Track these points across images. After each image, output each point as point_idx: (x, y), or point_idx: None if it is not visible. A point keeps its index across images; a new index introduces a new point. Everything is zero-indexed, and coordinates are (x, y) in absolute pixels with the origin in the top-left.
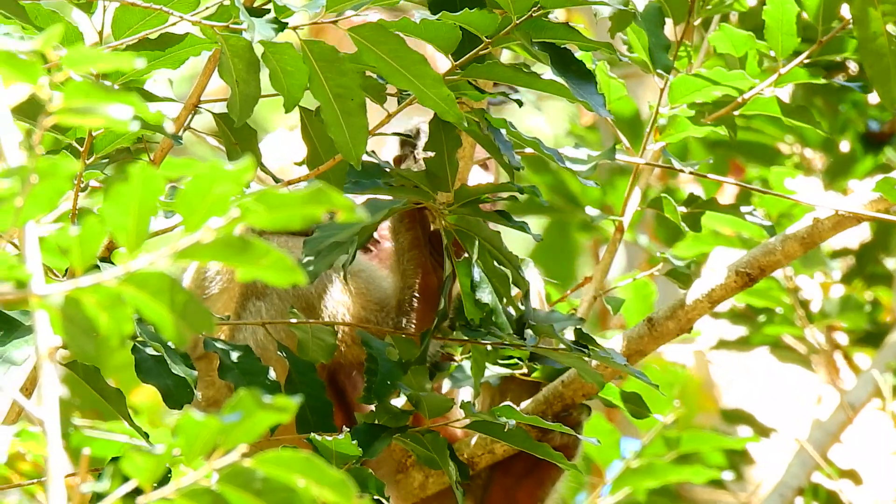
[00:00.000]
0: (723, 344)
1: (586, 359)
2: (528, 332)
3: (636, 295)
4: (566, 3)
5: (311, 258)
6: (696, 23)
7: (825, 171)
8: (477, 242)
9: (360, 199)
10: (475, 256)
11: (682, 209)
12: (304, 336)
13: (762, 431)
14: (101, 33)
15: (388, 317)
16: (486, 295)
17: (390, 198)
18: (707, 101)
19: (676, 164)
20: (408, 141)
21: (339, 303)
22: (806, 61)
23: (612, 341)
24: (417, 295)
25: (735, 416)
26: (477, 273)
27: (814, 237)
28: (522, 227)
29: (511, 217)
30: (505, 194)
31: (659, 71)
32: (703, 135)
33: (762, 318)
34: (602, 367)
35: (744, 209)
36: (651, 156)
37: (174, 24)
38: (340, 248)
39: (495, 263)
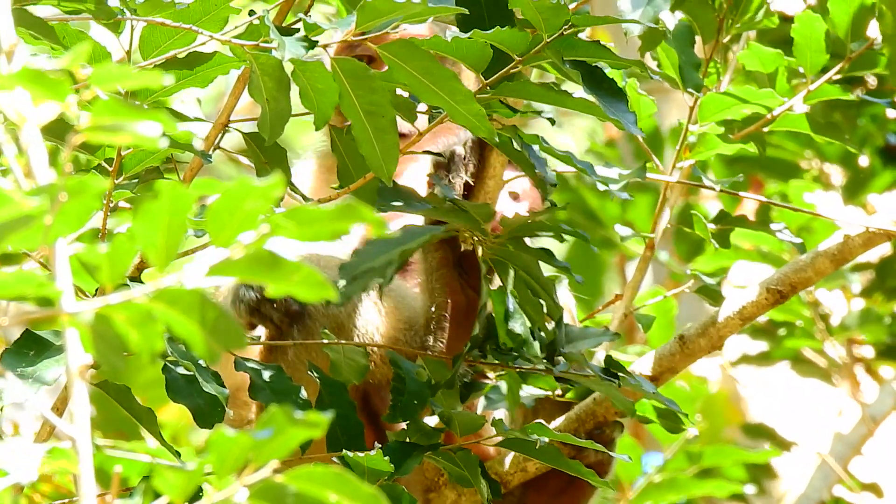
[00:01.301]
0: (745, 359)
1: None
2: (559, 358)
3: (658, 311)
4: (598, 21)
5: (346, 282)
6: (725, 40)
7: (844, 185)
8: (513, 273)
9: (395, 223)
10: (510, 286)
11: (711, 226)
12: (337, 357)
13: (783, 445)
14: (129, 52)
15: (416, 335)
16: (518, 326)
17: (422, 219)
18: (736, 118)
19: (707, 182)
20: (441, 163)
21: (369, 322)
22: (835, 77)
23: (644, 358)
24: (446, 314)
25: (756, 431)
26: (511, 303)
27: (844, 254)
28: (566, 270)
29: (554, 256)
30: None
31: (689, 90)
32: (733, 152)
33: (783, 331)
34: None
35: (773, 226)
36: (680, 173)
37: (203, 43)
38: (376, 272)
39: (530, 293)
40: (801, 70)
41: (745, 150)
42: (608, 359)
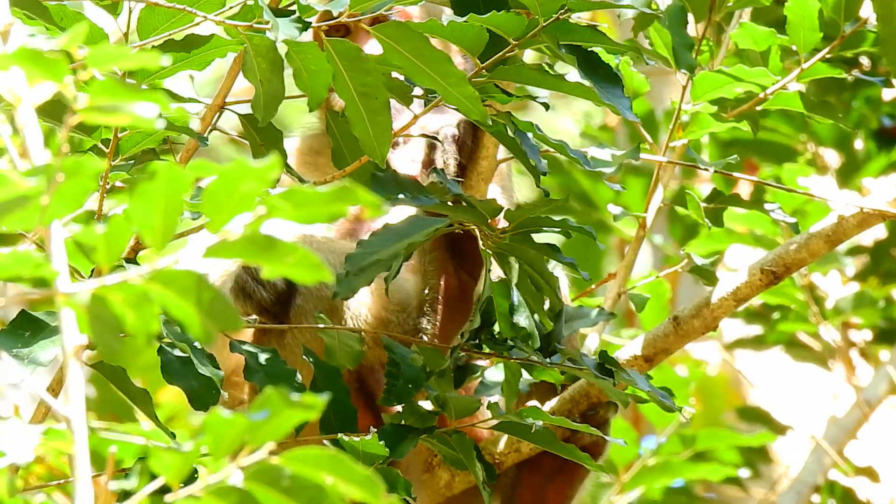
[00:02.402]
0: (739, 343)
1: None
2: (553, 350)
3: (652, 293)
4: (593, 6)
5: (351, 273)
6: (718, 18)
7: (839, 169)
8: (517, 266)
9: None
10: (514, 280)
11: (704, 205)
12: (332, 342)
13: (778, 429)
14: (126, 35)
15: (408, 318)
16: (523, 319)
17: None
18: (729, 97)
19: (700, 162)
20: (436, 144)
21: (361, 303)
22: (827, 57)
23: (638, 339)
24: (439, 297)
25: (752, 414)
26: (515, 296)
27: (839, 235)
28: (572, 264)
29: (560, 251)
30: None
31: (682, 70)
32: (725, 130)
33: (777, 315)
34: (632, 360)
35: (767, 206)
36: (673, 154)
37: (198, 23)
38: (382, 264)
39: (532, 286)
40: (795, 49)
41: (739, 129)
42: (602, 353)
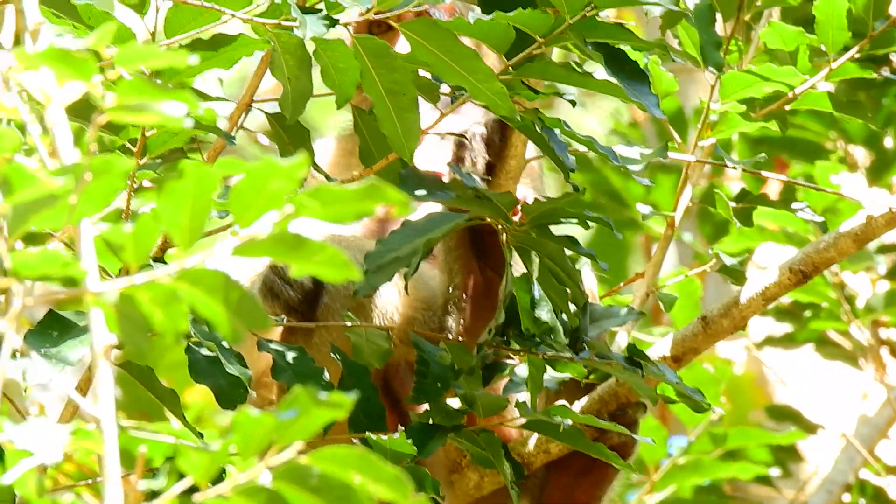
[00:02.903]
0: (769, 341)
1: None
2: (582, 345)
3: (682, 292)
4: (620, 3)
5: (371, 271)
6: (747, 17)
7: (869, 167)
8: (537, 260)
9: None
10: (535, 274)
11: (733, 204)
12: (359, 340)
13: (809, 428)
14: (153, 33)
15: (434, 316)
16: (544, 313)
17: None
18: (757, 96)
19: (728, 161)
20: (464, 143)
21: (388, 301)
22: (856, 56)
23: (666, 339)
24: (465, 295)
25: (782, 413)
26: (536, 290)
27: (867, 234)
28: (591, 255)
29: (579, 243)
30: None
31: (711, 69)
32: (754, 130)
33: (808, 313)
34: (661, 360)
35: (795, 205)
36: (701, 153)
37: (225, 21)
38: (401, 262)
39: (555, 280)
40: (823, 48)
41: (767, 129)
42: (631, 347)
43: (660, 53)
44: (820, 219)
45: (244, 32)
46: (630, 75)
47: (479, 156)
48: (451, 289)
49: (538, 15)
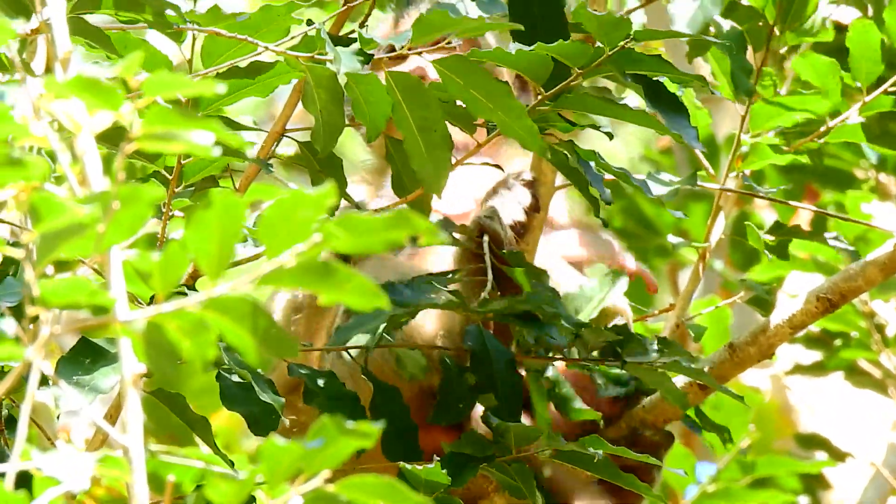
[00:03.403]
0: (798, 369)
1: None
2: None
3: (712, 320)
4: (657, 36)
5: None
6: (783, 51)
7: None
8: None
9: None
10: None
11: (768, 237)
12: (403, 351)
13: (837, 456)
14: (190, 62)
15: (453, 343)
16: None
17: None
18: (787, 125)
19: (759, 191)
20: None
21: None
22: (891, 89)
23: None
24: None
25: (810, 441)
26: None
27: (894, 263)
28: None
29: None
30: None
31: (742, 96)
32: (786, 163)
33: (838, 342)
34: (688, 386)
35: (828, 235)
36: (733, 182)
37: (259, 53)
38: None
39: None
40: (858, 84)
41: (798, 160)
42: (662, 340)
43: (697, 86)
44: (851, 248)
45: (281, 60)
46: (668, 107)
47: (503, 227)
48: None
49: (577, 46)
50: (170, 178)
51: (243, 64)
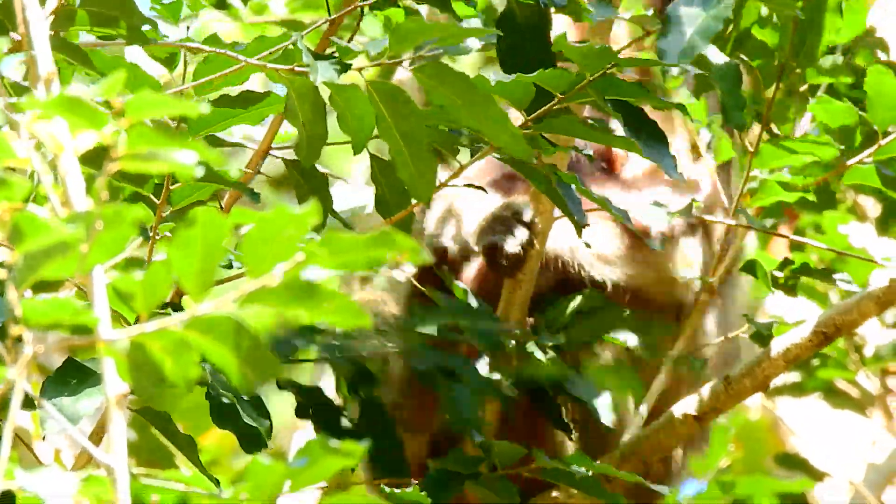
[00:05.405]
0: (777, 390)
1: None
2: None
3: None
4: (640, 63)
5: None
6: (802, 89)
7: (878, 217)
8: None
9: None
10: None
11: (778, 273)
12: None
13: (817, 476)
14: (182, 92)
15: None
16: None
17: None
18: (795, 166)
19: (753, 224)
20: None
21: None
22: None
23: (691, 398)
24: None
25: (790, 461)
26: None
27: (889, 297)
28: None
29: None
30: None
31: (747, 141)
32: (794, 200)
33: (816, 362)
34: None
35: (836, 276)
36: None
37: (239, 66)
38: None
39: None
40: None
41: (806, 198)
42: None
43: (683, 114)
44: (858, 289)
45: (274, 91)
46: (648, 135)
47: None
48: None
49: (558, 73)
50: (157, 202)
51: (234, 94)
